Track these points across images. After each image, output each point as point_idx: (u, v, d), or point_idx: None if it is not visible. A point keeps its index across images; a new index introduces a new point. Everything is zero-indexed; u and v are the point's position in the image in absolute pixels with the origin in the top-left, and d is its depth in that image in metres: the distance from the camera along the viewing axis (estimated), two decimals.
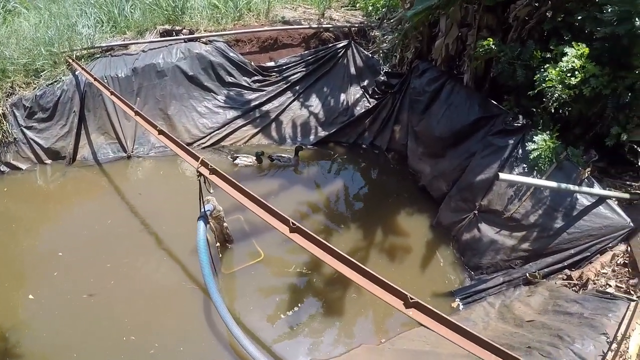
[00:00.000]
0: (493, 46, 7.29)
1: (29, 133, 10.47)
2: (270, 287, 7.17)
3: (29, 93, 10.49)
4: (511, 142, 7.22)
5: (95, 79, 9.41)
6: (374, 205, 8.96)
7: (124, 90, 10.32)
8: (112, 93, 8.71)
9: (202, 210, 6.48)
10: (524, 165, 6.88)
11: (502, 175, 5.69)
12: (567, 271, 6.08)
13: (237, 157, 10.03)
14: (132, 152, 10.64)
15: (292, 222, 4.77)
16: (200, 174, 5.91)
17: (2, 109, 10.31)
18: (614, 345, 4.44)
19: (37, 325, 6.78)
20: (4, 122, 10.31)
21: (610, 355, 4.37)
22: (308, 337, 6.44)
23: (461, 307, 6.75)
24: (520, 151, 7.05)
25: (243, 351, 5.55)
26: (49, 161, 10.62)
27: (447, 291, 7.03)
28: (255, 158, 10.01)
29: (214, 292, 5.92)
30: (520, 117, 7.34)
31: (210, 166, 5.84)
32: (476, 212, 7.46)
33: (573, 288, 5.75)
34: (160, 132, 6.97)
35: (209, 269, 6.08)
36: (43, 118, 10.55)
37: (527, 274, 6.39)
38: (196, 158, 6.00)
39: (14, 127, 10.44)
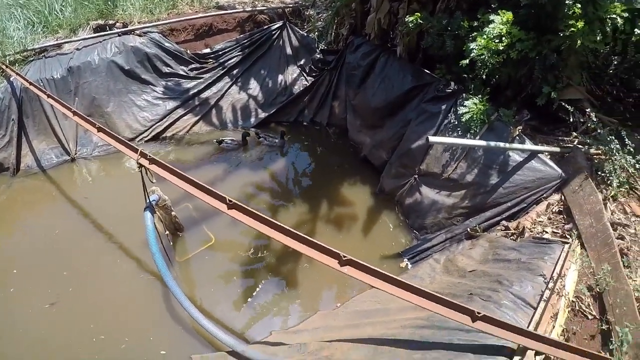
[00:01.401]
0: (421, 20, 7.42)
1: None
2: (226, 269, 7.17)
3: None
4: (444, 107, 7.40)
5: (30, 83, 9.02)
6: (318, 179, 9.08)
7: (61, 91, 9.87)
8: (48, 96, 8.39)
9: (148, 201, 6.43)
10: (458, 129, 7.06)
11: (431, 138, 5.91)
12: (504, 222, 6.30)
13: (223, 140, 9.95)
14: (76, 154, 10.14)
15: (229, 199, 4.85)
16: (140, 165, 5.87)
17: None
18: (551, 284, 4.67)
19: (3, 345, 6.61)
20: None
21: (547, 293, 4.59)
22: (268, 313, 6.50)
23: (409, 266, 6.93)
24: (453, 116, 7.23)
25: (206, 331, 5.62)
26: None
27: (395, 253, 7.21)
28: (241, 139, 10.00)
29: (168, 277, 5.91)
30: (452, 83, 7.52)
31: (149, 156, 5.80)
32: (416, 176, 7.63)
33: (511, 237, 6.00)
34: (100, 129, 6.84)
35: (161, 255, 6.05)
36: None
37: (468, 229, 6.61)
38: (135, 150, 5.95)
39: None
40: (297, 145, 10.23)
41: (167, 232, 7.20)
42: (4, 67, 9.91)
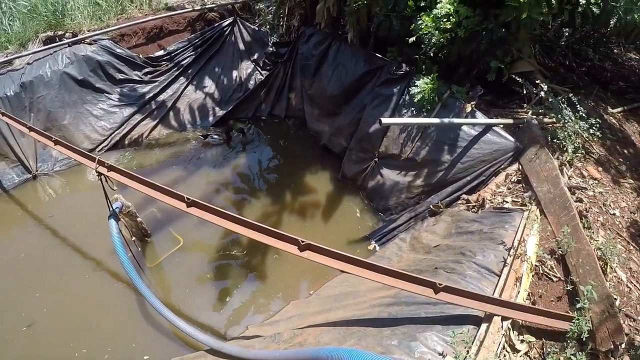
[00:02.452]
0: (365, 2, 7.39)
1: None
2: (198, 269, 7.14)
3: None
4: (397, 89, 7.44)
5: None
6: (281, 171, 9.04)
7: (15, 108, 9.44)
8: (2, 114, 8.22)
9: (111, 209, 6.37)
10: (412, 109, 7.10)
11: (384, 120, 5.87)
12: (465, 196, 6.34)
13: (209, 135, 9.95)
14: (37, 170, 9.78)
15: (187, 197, 4.83)
16: (99, 174, 5.82)
17: None
18: (513, 251, 4.69)
19: None
20: None
21: (510, 259, 4.61)
22: (244, 308, 6.54)
23: (377, 248, 6.97)
24: (407, 97, 7.24)
25: (185, 334, 5.66)
26: None
27: (362, 236, 7.24)
28: (225, 135, 10.01)
29: (138, 282, 5.93)
30: (404, 65, 7.51)
31: (107, 164, 5.76)
32: (376, 159, 7.66)
33: (472, 210, 6.03)
34: (57, 142, 6.76)
35: (128, 260, 6.04)
36: None
37: (431, 206, 6.65)
38: (92, 159, 5.88)
39: None
40: (256, 141, 10.15)
41: (134, 238, 7.09)
42: None
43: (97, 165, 5.78)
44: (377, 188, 7.62)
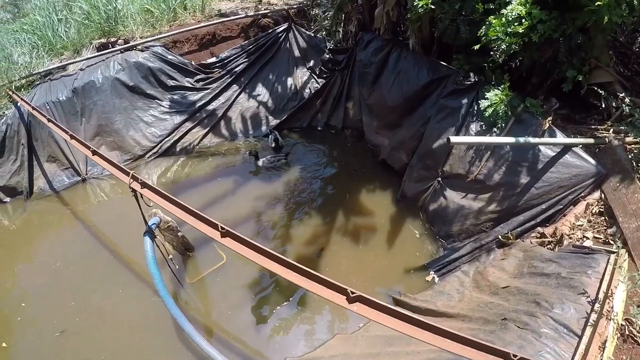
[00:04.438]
0: (431, 5, 6.69)
1: None
2: (239, 289, 6.83)
3: None
4: (465, 101, 6.79)
5: (33, 108, 8.92)
6: (335, 187, 8.55)
7: (68, 112, 9.80)
8: (48, 120, 8.24)
9: (147, 225, 6.15)
10: (481, 124, 6.45)
11: (452, 139, 5.27)
12: (540, 228, 5.65)
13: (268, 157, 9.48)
14: (87, 174, 10.10)
15: (221, 227, 4.47)
16: (133, 190, 5.57)
17: None
18: (597, 306, 3.97)
19: None
20: None
21: (594, 316, 3.89)
22: (284, 336, 6.14)
23: (436, 279, 6.35)
24: (475, 110, 6.61)
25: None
26: (7, 199, 9.99)
27: (420, 265, 6.66)
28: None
29: (170, 304, 5.63)
30: (472, 74, 6.87)
31: (141, 180, 5.52)
32: (440, 179, 7.07)
33: (548, 246, 5.35)
34: (94, 152, 6.63)
35: (161, 281, 5.76)
36: None
37: (500, 237, 5.98)
38: (127, 173, 5.65)
39: None
40: (312, 152, 9.75)
41: (170, 256, 6.80)
42: (10, 93, 9.92)
43: (131, 181, 5.58)
44: (439, 211, 6.99)
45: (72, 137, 7.29)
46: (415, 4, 6.84)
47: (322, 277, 3.84)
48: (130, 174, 5.57)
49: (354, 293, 3.65)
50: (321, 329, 6.11)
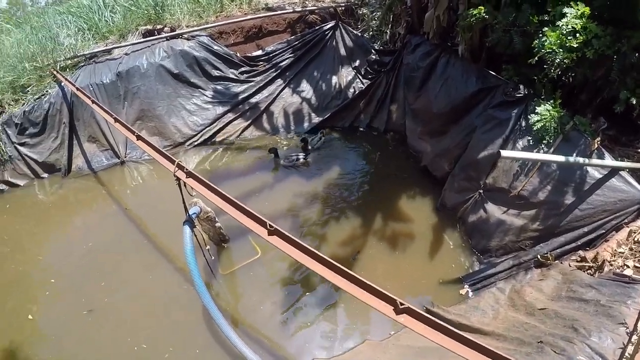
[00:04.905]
0: (485, 14, 6.75)
1: (22, 149, 10.37)
2: (271, 285, 6.96)
3: (17, 110, 10.40)
4: (513, 114, 6.78)
5: (77, 89, 9.29)
6: (375, 190, 8.59)
7: (111, 95, 10.17)
8: (92, 102, 8.55)
9: (187, 214, 6.21)
10: (529, 138, 6.43)
11: (503, 153, 5.23)
12: (581, 252, 5.64)
13: (288, 156, 9.65)
14: (126, 157, 10.49)
15: (270, 225, 4.51)
16: (177, 178, 5.71)
17: None
18: (635, 338, 4.00)
19: (41, 345, 6.76)
20: None
21: (630, 348, 3.93)
22: (312, 334, 6.23)
23: (470, 294, 6.37)
24: (523, 123, 6.60)
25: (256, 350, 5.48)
26: (45, 175, 10.56)
27: (455, 277, 6.67)
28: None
29: (205, 297, 5.69)
30: (521, 86, 6.87)
31: (186, 169, 5.66)
32: (481, 191, 7.07)
33: (588, 271, 5.33)
34: (138, 137, 6.83)
35: (198, 273, 5.81)
36: (34, 133, 10.44)
37: (539, 256, 5.97)
38: (172, 161, 5.82)
39: (7, 145, 10.38)
40: (353, 153, 9.83)
41: (207, 246, 6.92)
42: (55, 72, 10.34)
43: (176, 169, 5.71)
44: (478, 224, 6.99)
45: (116, 120, 7.57)
46: (468, 12, 6.91)
47: (370, 284, 3.90)
48: (176, 163, 5.71)
49: (403, 305, 3.73)
50: (351, 333, 6.15)
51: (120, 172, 10.29)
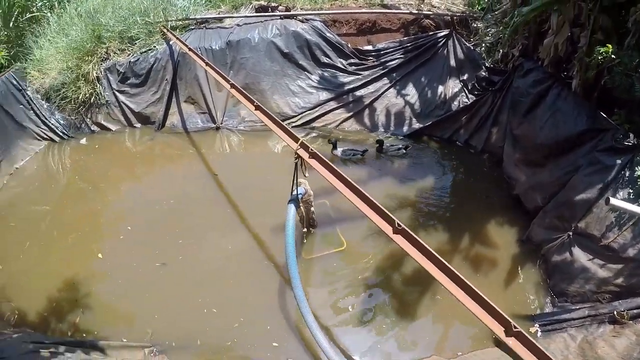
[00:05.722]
0: (612, 55, 6.76)
1: (120, 97, 11.11)
2: (348, 278, 7.22)
3: (123, 59, 11.12)
4: (619, 161, 6.77)
5: (189, 49, 9.79)
6: (464, 208, 8.67)
7: (218, 62, 10.61)
8: (207, 64, 8.92)
9: (295, 193, 6.48)
10: (630, 191, 6.48)
11: (613, 201, 5.25)
12: None
13: (346, 149, 9.97)
14: (222, 123, 11.01)
15: (398, 223, 4.62)
16: (298, 156, 5.91)
17: (97, 73, 10.96)
18: None
19: (105, 285, 7.24)
20: (97, 84, 10.98)
21: None
22: (376, 336, 6.45)
23: (539, 333, 6.51)
24: (627, 173, 6.61)
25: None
26: (138, 125, 11.30)
27: (527, 314, 6.80)
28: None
29: (296, 282, 5.95)
30: (631, 135, 6.88)
31: (311, 149, 5.78)
32: (571, 233, 7.08)
33: None
34: (257, 107, 7.05)
35: (294, 255, 6.07)
36: (136, 84, 11.13)
37: (615, 312, 6.07)
38: (295, 139, 5.98)
39: (106, 89, 11.11)
40: (448, 166, 9.93)
41: (305, 228, 7.43)
42: (165, 30, 10.96)
43: (299, 147, 5.88)
44: (561, 266, 7.05)
45: (232, 86, 7.91)
46: (596, 49, 6.91)
47: (488, 301, 4.04)
48: (300, 141, 5.91)
49: (517, 328, 3.88)
50: (418, 346, 6.33)
51: (213, 137, 10.82)
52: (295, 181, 6.38)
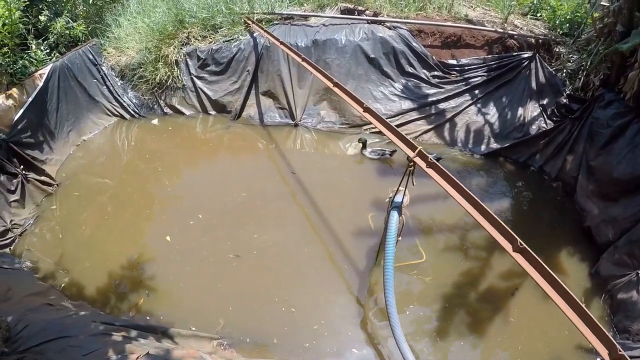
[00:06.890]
0: None
1: (198, 82, 11.76)
2: (424, 295, 7.58)
3: (204, 46, 11.68)
4: None
5: (281, 43, 10.14)
6: (537, 236, 8.78)
7: None
8: (303, 59, 8.97)
9: (398, 200, 6.46)
10: None
11: None
12: None
13: (375, 149, 10.63)
14: (300, 121, 11.56)
15: (520, 242, 4.64)
16: (412, 164, 5.74)
17: (176, 56, 11.59)
18: None
19: (172, 269, 7.68)
20: (176, 68, 11.63)
21: None
22: (446, 350, 6.86)
23: None
24: None
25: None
26: (213, 112, 11.95)
27: (588, 347, 7.09)
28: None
29: (389, 290, 6.31)
30: None
31: (430, 159, 5.54)
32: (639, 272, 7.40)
33: None
34: (366, 109, 6.85)
35: (392, 264, 6.34)
36: (215, 71, 11.73)
37: None
38: (413, 148, 5.75)
39: (184, 74, 11.77)
40: (522, 192, 10.27)
41: (399, 238, 7.31)
42: (250, 22, 11.45)
43: (416, 156, 5.67)
44: (626, 304, 7.43)
45: (335, 84, 7.78)
46: None
47: (597, 323, 4.07)
48: (417, 150, 5.66)
49: (621, 351, 3.81)
50: None
51: (289, 133, 11.34)
52: (404, 188, 6.34)
